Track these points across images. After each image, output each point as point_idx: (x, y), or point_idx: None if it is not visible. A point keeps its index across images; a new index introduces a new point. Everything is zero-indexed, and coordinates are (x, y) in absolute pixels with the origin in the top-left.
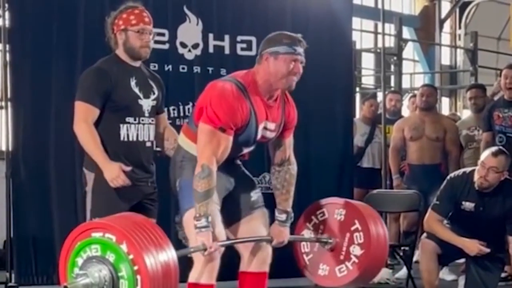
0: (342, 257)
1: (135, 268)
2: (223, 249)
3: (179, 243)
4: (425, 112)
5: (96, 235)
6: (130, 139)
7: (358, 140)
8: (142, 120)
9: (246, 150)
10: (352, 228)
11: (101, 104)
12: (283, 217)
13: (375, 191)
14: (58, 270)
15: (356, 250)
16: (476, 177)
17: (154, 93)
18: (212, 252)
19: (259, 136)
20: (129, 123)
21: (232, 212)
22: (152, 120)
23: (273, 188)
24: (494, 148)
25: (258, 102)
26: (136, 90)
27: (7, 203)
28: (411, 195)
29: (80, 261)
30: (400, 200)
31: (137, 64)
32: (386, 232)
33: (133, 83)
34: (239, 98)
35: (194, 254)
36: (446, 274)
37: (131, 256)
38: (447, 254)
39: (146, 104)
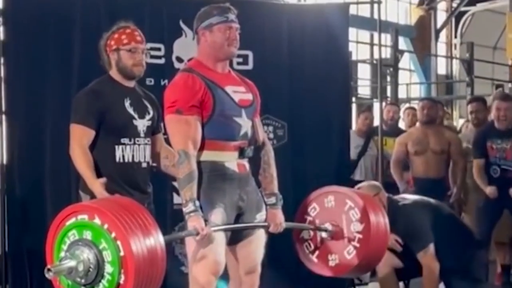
0: (346, 240)
1: (121, 253)
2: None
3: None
4: (426, 126)
5: (83, 217)
6: (126, 160)
7: (352, 152)
8: (138, 140)
9: (242, 122)
10: (345, 208)
11: (96, 125)
12: (272, 200)
13: None
14: (53, 286)
15: (357, 227)
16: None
17: (149, 113)
18: (204, 236)
19: (237, 99)
20: (124, 144)
21: (235, 232)
22: (148, 141)
23: (259, 176)
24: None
25: (211, 74)
26: (131, 110)
27: (2, 217)
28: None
29: (66, 244)
30: None
31: (131, 84)
32: (376, 201)
33: (127, 103)
34: (185, 76)
35: (191, 272)
36: None
37: (117, 241)
38: (407, 270)
39: (141, 124)
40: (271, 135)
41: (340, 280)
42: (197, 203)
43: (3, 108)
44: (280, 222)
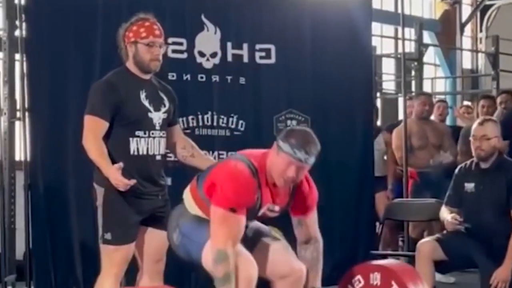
0: None
1: None
2: None
3: None
4: (424, 121)
5: None
6: (140, 153)
7: None
8: (153, 133)
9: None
10: None
11: (110, 117)
12: None
13: (396, 200)
14: (77, 281)
15: None
16: (473, 152)
17: (165, 106)
18: None
19: (260, 214)
20: (138, 136)
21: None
22: (164, 133)
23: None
24: (480, 119)
25: (265, 185)
26: (146, 103)
27: (26, 214)
28: (432, 204)
29: None
30: (421, 209)
31: (147, 76)
32: (424, 284)
33: (143, 96)
34: (250, 180)
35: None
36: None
37: None
38: (453, 262)
39: (157, 117)
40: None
41: None
42: None
43: (26, 105)
44: None
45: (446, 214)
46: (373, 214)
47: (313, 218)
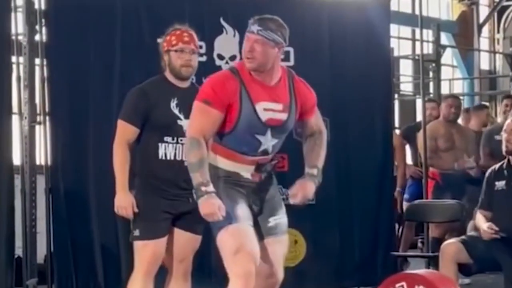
0: None
1: None
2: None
3: None
4: (451, 123)
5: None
6: (168, 158)
7: None
8: (181, 140)
9: (263, 140)
10: None
11: (140, 123)
12: (313, 171)
13: (416, 201)
14: (98, 284)
15: None
16: (503, 148)
17: None
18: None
19: (264, 118)
20: (167, 142)
21: (258, 229)
22: None
23: (304, 156)
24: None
25: (253, 84)
26: (176, 110)
27: (47, 217)
28: (453, 205)
29: None
30: (442, 210)
31: (184, 84)
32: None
33: (173, 103)
34: (227, 75)
35: (229, 266)
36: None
37: None
38: (477, 265)
39: (186, 124)
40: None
41: (387, 268)
42: (211, 186)
43: (46, 109)
44: (308, 194)
45: (482, 223)
46: (393, 215)
47: (316, 115)
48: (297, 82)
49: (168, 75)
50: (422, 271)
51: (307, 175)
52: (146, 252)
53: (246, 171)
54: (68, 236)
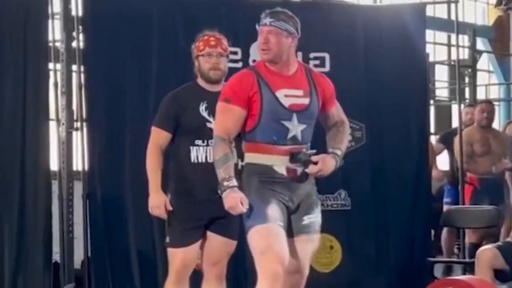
0: None
1: None
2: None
3: None
4: (486, 129)
5: None
6: (200, 161)
7: None
8: (211, 142)
9: (290, 126)
10: None
11: (173, 128)
12: (337, 151)
13: (454, 207)
14: None
15: None
16: None
17: None
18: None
19: (287, 103)
20: (198, 145)
21: (288, 227)
22: None
23: (327, 141)
24: None
25: (270, 75)
26: (205, 114)
27: (84, 223)
28: (490, 211)
29: None
30: (479, 216)
31: (216, 88)
32: None
33: (202, 107)
34: (243, 72)
35: (258, 265)
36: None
37: None
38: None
39: None
40: (349, 137)
41: (423, 274)
42: (234, 181)
43: (84, 115)
44: (327, 167)
45: None
46: (429, 220)
47: (336, 106)
48: (314, 73)
49: (199, 80)
50: (465, 277)
51: (330, 153)
52: (176, 259)
53: (281, 163)
54: (105, 241)
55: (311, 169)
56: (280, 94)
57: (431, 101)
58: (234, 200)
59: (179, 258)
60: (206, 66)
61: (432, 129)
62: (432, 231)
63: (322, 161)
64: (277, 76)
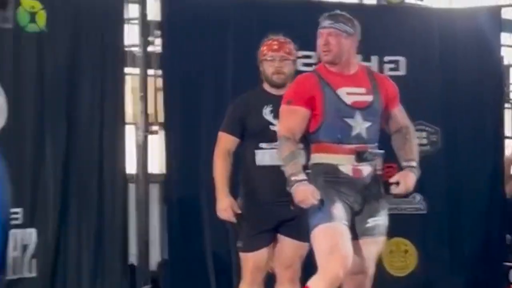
0: None
1: None
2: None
3: None
4: None
5: None
6: (265, 163)
7: None
8: (276, 145)
9: (354, 124)
10: None
11: (239, 132)
12: (412, 163)
13: None
14: None
15: None
16: None
17: None
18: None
19: (349, 101)
20: (262, 148)
21: (352, 228)
22: None
23: (396, 152)
24: None
25: (331, 75)
26: (269, 117)
27: (161, 225)
28: None
29: None
30: None
31: (281, 92)
32: None
33: (266, 110)
34: (304, 74)
35: (320, 264)
36: None
37: None
38: None
39: None
40: (425, 141)
41: (499, 278)
42: (302, 175)
43: (160, 119)
44: (410, 184)
45: None
46: (504, 224)
47: (399, 108)
48: (376, 74)
49: (265, 84)
50: None
51: (406, 168)
52: (247, 263)
53: (346, 162)
54: (182, 244)
55: (394, 190)
56: (342, 92)
57: (506, 104)
58: (304, 193)
59: (251, 262)
60: (269, 70)
61: (507, 132)
62: (508, 236)
63: (404, 181)
64: (339, 76)
